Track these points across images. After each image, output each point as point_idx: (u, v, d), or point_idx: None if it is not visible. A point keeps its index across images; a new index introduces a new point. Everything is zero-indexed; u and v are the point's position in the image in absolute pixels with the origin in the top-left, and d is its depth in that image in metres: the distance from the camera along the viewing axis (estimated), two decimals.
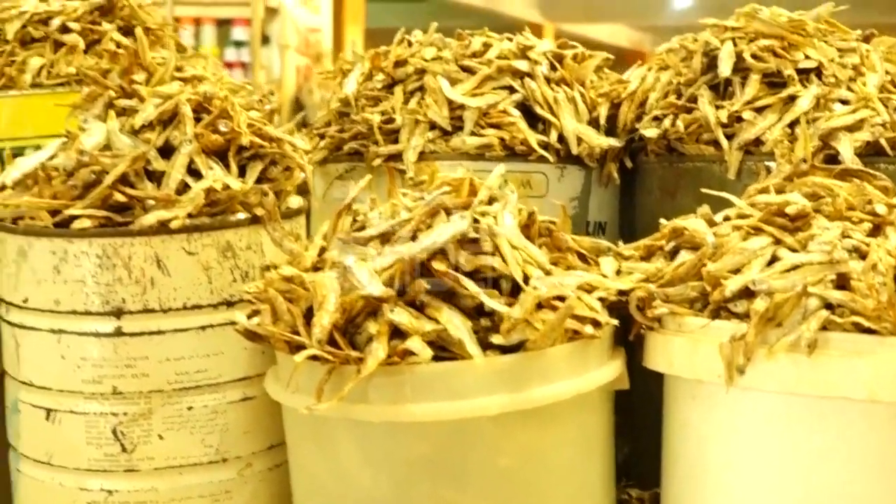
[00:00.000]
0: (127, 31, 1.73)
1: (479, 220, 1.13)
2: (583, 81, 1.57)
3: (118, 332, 1.22)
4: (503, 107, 1.49)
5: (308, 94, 7.80)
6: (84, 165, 1.23)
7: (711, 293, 1.12)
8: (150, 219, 1.20)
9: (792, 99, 1.42)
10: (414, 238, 1.12)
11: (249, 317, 1.16)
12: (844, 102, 1.42)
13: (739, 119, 1.43)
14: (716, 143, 1.43)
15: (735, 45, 1.47)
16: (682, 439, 1.17)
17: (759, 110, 1.42)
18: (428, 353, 1.04)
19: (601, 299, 1.14)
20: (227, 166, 1.27)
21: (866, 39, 1.55)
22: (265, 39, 7.66)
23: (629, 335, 1.20)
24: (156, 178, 1.24)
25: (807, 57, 1.46)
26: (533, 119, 1.50)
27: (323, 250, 1.20)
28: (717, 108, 1.45)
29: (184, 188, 1.23)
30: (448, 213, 1.14)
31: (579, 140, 1.49)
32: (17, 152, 1.64)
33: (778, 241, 1.14)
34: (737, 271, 1.12)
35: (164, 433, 1.24)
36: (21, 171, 1.28)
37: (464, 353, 1.06)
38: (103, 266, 1.21)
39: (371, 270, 1.08)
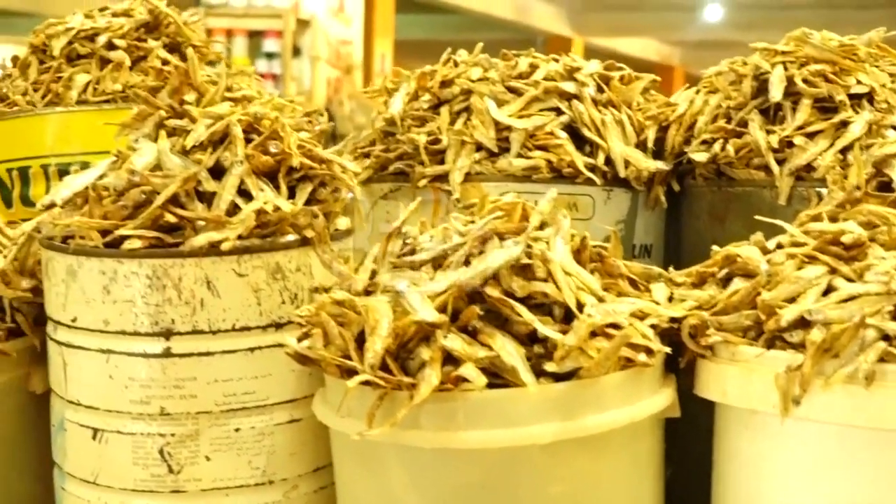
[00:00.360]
0: (172, 48, 1.74)
1: (532, 246, 1.12)
2: (630, 103, 1.56)
3: (167, 353, 1.22)
4: (550, 129, 1.48)
5: (338, 106, 7.83)
6: (135, 185, 1.23)
7: (766, 322, 1.11)
8: (200, 240, 1.19)
9: (844, 124, 1.41)
10: (467, 263, 1.11)
11: (300, 340, 1.16)
12: None
13: (790, 144, 1.42)
14: (766, 169, 1.42)
15: (786, 69, 1.46)
16: (733, 468, 1.16)
17: (811, 136, 1.41)
18: (482, 380, 1.04)
19: (653, 326, 1.14)
20: (276, 187, 1.27)
21: None
22: (296, 51, 7.70)
23: (679, 362, 1.19)
24: (206, 199, 1.23)
25: (858, 82, 1.45)
26: (580, 141, 1.50)
27: (374, 274, 1.19)
28: (768, 132, 1.43)
29: (234, 209, 1.23)
30: (501, 238, 1.13)
31: (627, 163, 1.48)
32: (63, 168, 1.65)
33: (833, 271, 1.12)
34: (792, 300, 1.11)
35: (211, 454, 1.24)
36: (71, 189, 1.28)
37: (517, 380, 1.05)
38: (153, 287, 1.21)
39: (424, 296, 1.08)
